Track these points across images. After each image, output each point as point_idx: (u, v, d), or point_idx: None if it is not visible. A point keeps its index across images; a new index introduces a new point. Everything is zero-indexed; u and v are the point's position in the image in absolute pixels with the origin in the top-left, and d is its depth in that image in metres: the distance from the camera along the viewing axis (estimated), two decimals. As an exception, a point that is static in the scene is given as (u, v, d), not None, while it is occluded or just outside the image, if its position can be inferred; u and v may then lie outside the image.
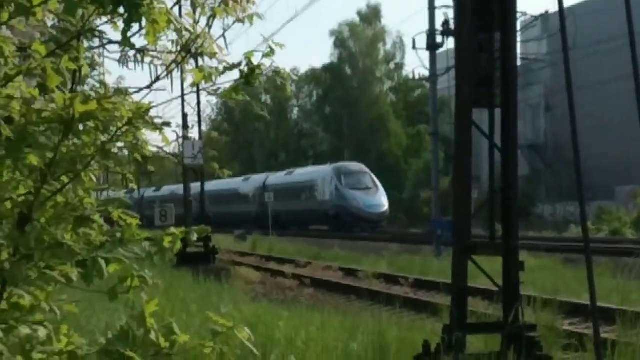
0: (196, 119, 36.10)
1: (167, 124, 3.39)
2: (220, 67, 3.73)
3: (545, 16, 60.50)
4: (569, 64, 9.77)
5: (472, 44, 11.06)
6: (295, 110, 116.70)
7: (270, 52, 3.65)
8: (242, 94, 3.71)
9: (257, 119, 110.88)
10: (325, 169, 62.43)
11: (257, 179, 75.88)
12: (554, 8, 63.01)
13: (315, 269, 32.00)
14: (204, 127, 49.56)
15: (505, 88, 11.13)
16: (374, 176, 64.64)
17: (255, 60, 3.68)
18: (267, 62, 3.71)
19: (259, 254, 40.42)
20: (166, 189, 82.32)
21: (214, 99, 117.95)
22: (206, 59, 4.09)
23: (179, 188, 75.10)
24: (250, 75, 3.66)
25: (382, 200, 62.47)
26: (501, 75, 11.15)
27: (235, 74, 3.86)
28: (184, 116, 35.04)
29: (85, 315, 11.70)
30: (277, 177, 73.34)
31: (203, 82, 3.91)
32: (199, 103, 35.85)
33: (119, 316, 13.16)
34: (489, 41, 11.13)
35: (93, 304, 12.84)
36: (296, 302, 19.98)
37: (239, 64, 3.70)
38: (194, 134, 34.81)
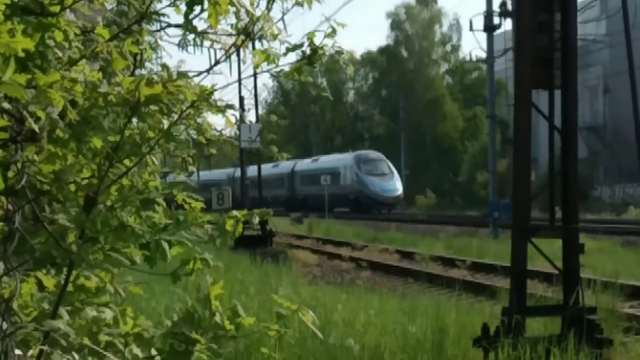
0: (252, 102, 36.22)
1: (230, 106, 3.38)
2: (282, 49, 3.72)
3: (604, -4, 59.79)
4: (631, 45, 9.66)
5: (532, 25, 10.95)
6: (351, 93, 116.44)
7: (332, 33, 3.63)
8: (304, 75, 3.70)
9: (313, 102, 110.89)
10: (347, 156, 66.17)
11: (286, 165, 77.93)
12: (613, -12, 62.31)
13: (371, 251, 31.95)
14: (260, 111, 49.70)
15: (565, 69, 11.02)
16: (390, 163, 70.08)
17: (317, 41, 3.66)
18: (328, 42, 3.69)
19: (316, 237, 40.44)
20: (211, 173, 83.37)
21: (270, 83, 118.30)
22: (264, 42, 4.09)
23: (221, 173, 76.81)
24: (312, 55, 3.64)
25: (396, 185, 68.24)
26: (561, 56, 11.03)
27: (292, 57, 3.85)
28: (241, 99, 35.16)
29: (145, 298, 11.78)
30: (304, 164, 75.70)
31: (262, 64, 3.90)
32: (255, 86, 35.98)
33: (178, 298, 13.27)
34: (549, 21, 11.01)
35: (152, 286, 12.95)
36: (353, 285, 19.96)
37: (301, 44, 3.69)
38: (250, 117, 34.89)
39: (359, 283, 21.24)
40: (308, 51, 3.67)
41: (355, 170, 68.34)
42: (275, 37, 3.75)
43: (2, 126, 2.69)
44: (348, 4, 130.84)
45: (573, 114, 11.10)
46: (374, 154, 70.30)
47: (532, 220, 11.37)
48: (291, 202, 73.64)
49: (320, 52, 3.64)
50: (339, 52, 3.69)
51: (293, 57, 3.86)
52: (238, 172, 36.42)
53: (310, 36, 3.67)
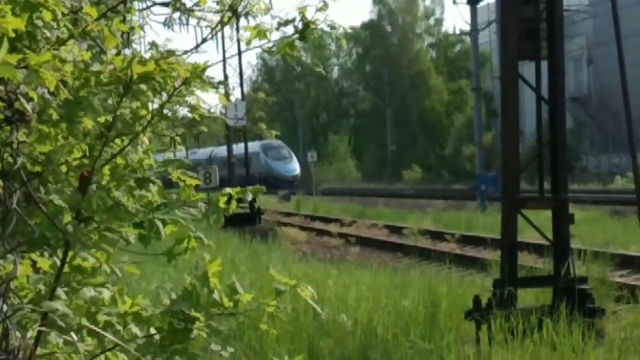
0: (237, 80, 36.13)
1: (223, 83, 3.36)
2: (274, 24, 3.69)
3: (586, -34, 59.75)
4: (617, 13, 9.65)
5: (518, -4, 10.95)
6: (336, 69, 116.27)
7: (325, 6, 3.60)
8: (297, 50, 3.69)
9: (297, 79, 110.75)
10: (255, 145, 73.59)
11: (204, 152, 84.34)
12: (595, -42, 62.32)
13: (360, 227, 31.99)
14: (245, 89, 49.68)
15: (552, 39, 11.02)
16: (289, 149, 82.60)
17: (309, 16, 3.63)
18: (320, 17, 3.66)
19: (304, 214, 40.47)
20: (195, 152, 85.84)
21: (254, 60, 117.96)
22: (249, 19, 4.06)
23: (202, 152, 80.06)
24: (304, 30, 3.62)
25: (295, 167, 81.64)
26: (547, 27, 11.03)
27: (278, 34, 3.83)
28: (225, 77, 35.08)
29: (135, 278, 11.78)
30: (219, 150, 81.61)
31: (246, 41, 3.87)
32: (240, 63, 35.90)
33: (168, 278, 13.28)
34: (535, -8, 11.01)
35: (142, 267, 12.92)
36: (343, 261, 19.99)
37: (293, 19, 3.66)
38: (235, 95, 34.83)
39: (348, 259, 21.28)
40: (300, 26, 3.65)
41: (263, 156, 79.64)
42: (267, 11, 3.73)
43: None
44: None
45: (560, 84, 11.12)
46: (276, 142, 79.56)
47: (520, 191, 11.41)
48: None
49: (312, 26, 3.62)
50: (332, 26, 3.67)
51: (279, 34, 3.84)
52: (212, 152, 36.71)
53: (302, 11, 3.64)
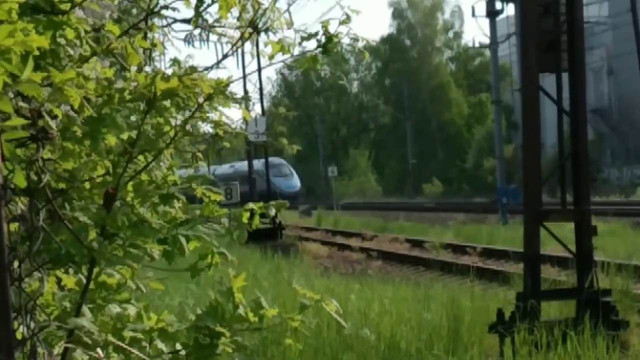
0: (257, 96, 36.21)
1: (247, 98, 3.37)
2: (297, 38, 3.70)
3: (605, -22, 59.63)
4: (638, 24, 9.63)
5: (538, 8, 10.92)
6: (355, 84, 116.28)
7: (347, 19, 3.60)
8: (320, 63, 3.69)
9: (317, 94, 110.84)
10: (257, 162, 74.28)
11: (203, 170, 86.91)
12: (614, -31, 62.13)
13: (381, 241, 31.93)
14: (264, 104, 49.80)
15: (572, 51, 10.99)
16: (290, 166, 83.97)
17: (332, 29, 3.64)
18: (343, 30, 3.66)
19: (325, 229, 40.44)
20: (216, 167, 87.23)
21: (274, 76, 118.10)
22: (269, 34, 4.06)
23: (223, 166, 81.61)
24: (327, 44, 3.62)
25: (296, 183, 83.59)
26: (568, 39, 11.00)
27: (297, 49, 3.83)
28: (245, 93, 35.11)
29: (157, 294, 11.80)
30: (222, 169, 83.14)
31: (265, 57, 3.88)
32: (260, 78, 35.95)
33: (191, 294, 13.28)
34: (555, 4, 10.98)
35: (164, 282, 12.92)
36: (365, 275, 19.96)
37: (316, 33, 3.67)
38: (255, 110, 34.89)
39: (370, 273, 21.23)
40: (323, 39, 3.65)
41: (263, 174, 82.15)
42: (290, 26, 3.73)
43: (21, 124, 2.68)
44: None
45: (582, 96, 11.09)
46: (277, 160, 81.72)
47: (542, 204, 11.36)
48: None
49: (335, 39, 3.62)
50: (355, 39, 3.67)
51: (299, 47, 3.84)
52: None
53: (324, 24, 3.64)
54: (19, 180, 2.65)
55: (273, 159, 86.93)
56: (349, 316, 11.15)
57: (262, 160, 77.60)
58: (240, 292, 3.31)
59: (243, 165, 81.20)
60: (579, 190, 11.20)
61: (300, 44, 3.69)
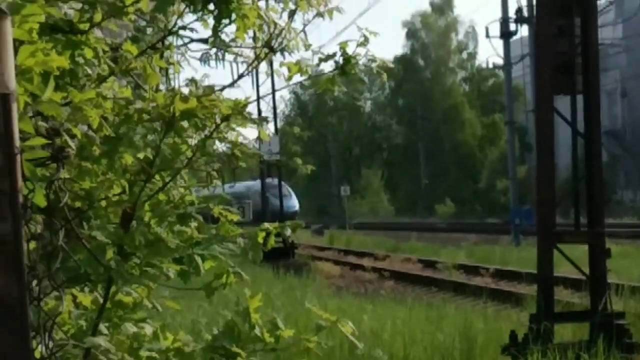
0: (270, 114, 36.22)
1: (265, 119, 3.38)
2: (314, 59, 3.71)
3: (619, 0, 59.62)
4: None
5: (552, 29, 10.92)
6: (368, 103, 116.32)
7: (365, 41, 3.62)
8: (338, 85, 3.70)
9: (330, 113, 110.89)
10: (256, 183, 74.77)
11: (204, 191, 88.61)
12: (629, -9, 62.06)
13: (394, 261, 31.90)
14: (278, 123, 50.00)
15: (587, 73, 10.98)
16: (288, 187, 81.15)
17: (350, 50, 3.65)
18: (360, 51, 3.67)
19: (337, 248, 40.41)
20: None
21: (287, 95, 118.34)
22: (285, 54, 4.08)
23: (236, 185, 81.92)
24: (345, 65, 3.63)
25: (294, 203, 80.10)
26: (582, 61, 10.99)
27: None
28: (259, 112, 35.21)
29: (170, 313, 11.79)
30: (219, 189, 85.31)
31: (280, 77, 3.90)
32: (273, 98, 35.98)
33: (203, 313, 13.28)
34: (569, 26, 10.98)
35: (177, 301, 12.91)
36: (378, 295, 19.94)
37: (334, 54, 3.68)
38: (268, 129, 34.87)
39: (383, 293, 21.20)
40: (341, 61, 3.66)
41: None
42: (308, 47, 3.74)
43: (41, 144, 2.69)
44: (364, 14, 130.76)
45: (596, 118, 11.07)
46: (275, 180, 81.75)
47: (556, 225, 11.33)
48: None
49: (353, 61, 3.63)
50: (372, 60, 3.68)
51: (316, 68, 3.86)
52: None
53: (343, 46, 3.66)
54: (39, 199, 2.66)
55: (271, 180, 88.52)
56: (362, 336, 11.11)
57: (259, 182, 78.54)
58: (257, 312, 3.32)
59: (240, 185, 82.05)
60: (593, 212, 11.17)
61: (318, 65, 3.71)
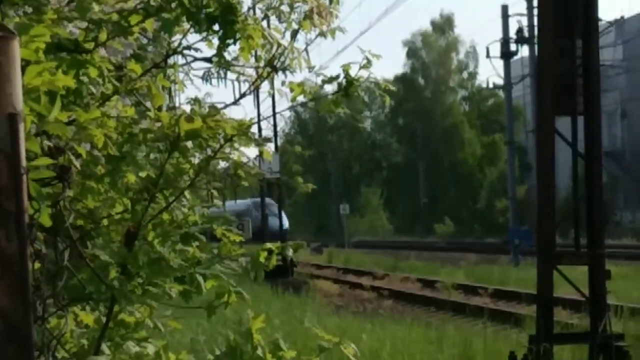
0: (270, 133, 36.21)
1: (268, 140, 3.39)
2: (318, 80, 3.72)
3: (620, 22, 59.73)
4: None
5: (554, 50, 10.94)
6: (368, 122, 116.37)
7: (368, 64, 3.63)
8: (341, 106, 3.71)
9: (330, 132, 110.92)
10: (249, 202, 75.12)
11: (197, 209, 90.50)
12: (629, 13, 62.21)
13: (392, 280, 31.88)
14: (278, 142, 50.11)
15: (588, 95, 10.99)
16: (278, 206, 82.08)
17: (353, 72, 3.66)
18: (363, 73, 3.68)
19: (336, 266, 40.38)
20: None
21: (287, 113, 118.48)
22: (287, 73, 4.09)
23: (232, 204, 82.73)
24: (348, 87, 3.65)
25: (285, 223, 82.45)
26: (583, 82, 11.01)
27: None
28: (260, 130, 35.21)
29: (168, 331, 11.75)
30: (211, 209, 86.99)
31: (282, 97, 3.91)
32: (274, 116, 35.97)
33: (202, 331, 13.25)
34: (571, 47, 11.00)
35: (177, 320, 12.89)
36: (376, 315, 19.91)
37: (337, 76, 3.69)
38: (269, 147, 34.86)
39: (381, 312, 21.18)
40: (344, 83, 3.67)
41: (254, 212, 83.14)
42: (311, 68, 3.76)
43: (47, 164, 2.70)
44: (365, 33, 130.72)
45: (597, 139, 11.08)
46: (268, 200, 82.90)
47: (556, 246, 11.32)
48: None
49: (356, 83, 3.64)
50: (377, 84, 3.70)
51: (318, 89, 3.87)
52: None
53: (346, 68, 3.67)
54: (45, 219, 2.66)
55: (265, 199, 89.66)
56: (361, 356, 11.08)
57: (250, 200, 79.25)
58: (259, 333, 3.32)
59: (230, 204, 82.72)
60: (593, 234, 11.17)
61: (321, 87, 3.72)
